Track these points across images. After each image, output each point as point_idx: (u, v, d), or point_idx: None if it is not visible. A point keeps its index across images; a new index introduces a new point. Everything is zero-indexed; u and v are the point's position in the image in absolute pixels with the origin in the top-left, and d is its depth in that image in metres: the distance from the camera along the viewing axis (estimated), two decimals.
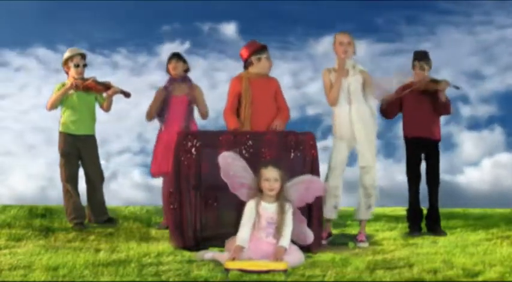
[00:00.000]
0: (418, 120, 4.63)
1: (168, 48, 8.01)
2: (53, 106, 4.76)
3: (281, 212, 3.25)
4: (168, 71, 4.92)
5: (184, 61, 4.92)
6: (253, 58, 4.35)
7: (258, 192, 3.33)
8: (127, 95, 4.87)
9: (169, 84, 4.86)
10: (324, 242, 4.08)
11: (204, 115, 4.92)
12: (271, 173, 3.28)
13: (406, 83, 4.76)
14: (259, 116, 4.27)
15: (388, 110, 4.73)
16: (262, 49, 4.37)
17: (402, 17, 8.61)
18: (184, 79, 4.91)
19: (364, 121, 4.24)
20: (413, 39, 8.53)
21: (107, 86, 4.78)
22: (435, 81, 4.58)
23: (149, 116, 4.88)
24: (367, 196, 4.24)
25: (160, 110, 4.82)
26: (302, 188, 3.44)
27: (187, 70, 4.95)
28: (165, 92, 4.82)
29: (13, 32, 8.58)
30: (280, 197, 3.30)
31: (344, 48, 4.25)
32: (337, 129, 4.26)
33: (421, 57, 4.70)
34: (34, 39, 8.59)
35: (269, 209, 3.28)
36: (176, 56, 4.90)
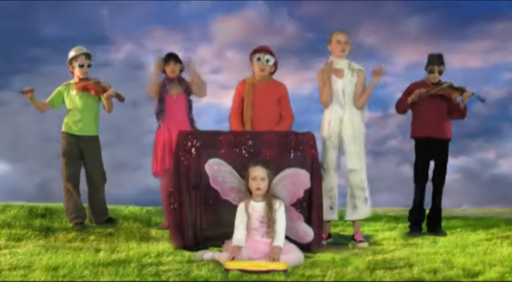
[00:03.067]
0: (430, 120, 4.63)
1: None
2: (41, 110, 4.78)
3: (269, 209, 3.26)
4: (164, 71, 4.89)
5: (181, 62, 4.89)
6: (253, 57, 4.39)
7: (247, 192, 3.34)
8: (121, 99, 4.87)
9: (167, 82, 4.84)
10: (323, 242, 4.08)
11: (201, 92, 4.84)
12: (258, 172, 3.29)
13: (418, 82, 4.78)
14: (259, 121, 4.32)
15: (403, 107, 4.74)
16: (265, 51, 4.36)
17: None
18: (180, 79, 4.88)
19: (354, 124, 4.26)
20: None
21: (104, 89, 4.77)
22: (456, 89, 4.60)
23: (152, 92, 4.82)
24: (352, 197, 4.24)
25: (157, 109, 4.80)
26: (288, 183, 3.42)
27: (182, 70, 4.93)
28: (163, 90, 4.81)
29: (99, 29, 8.60)
30: (268, 195, 3.31)
31: (342, 46, 4.25)
32: (326, 130, 4.26)
33: (439, 61, 4.71)
34: (120, 35, 8.61)
35: (258, 208, 3.29)
36: (173, 58, 4.85)
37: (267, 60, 4.36)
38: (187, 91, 4.84)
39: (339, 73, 4.26)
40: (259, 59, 4.35)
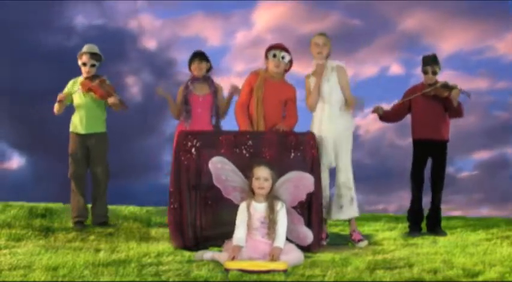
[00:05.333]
0: (427, 122, 4.65)
1: None
2: (58, 112, 4.81)
3: (271, 210, 3.26)
4: (190, 69, 4.83)
5: (207, 60, 4.82)
6: (269, 53, 4.36)
7: (250, 192, 3.34)
8: (124, 107, 4.84)
9: (191, 83, 4.77)
10: (323, 242, 4.08)
11: (223, 115, 4.81)
12: (262, 172, 3.29)
13: (417, 85, 4.80)
14: (265, 117, 4.29)
15: (389, 115, 4.78)
16: (281, 48, 4.34)
17: None
18: (206, 79, 4.81)
19: (338, 123, 4.21)
20: None
21: (108, 93, 4.73)
22: (446, 88, 4.61)
23: (174, 116, 4.81)
24: (338, 196, 4.20)
25: (184, 111, 4.72)
26: (291, 186, 3.41)
27: (209, 69, 4.85)
28: (186, 91, 4.74)
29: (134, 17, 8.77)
30: (270, 197, 3.31)
31: (318, 49, 4.25)
32: (317, 131, 4.21)
33: (433, 61, 4.73)
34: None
35: (260, 208, 3.29)
36: (199, 56, 4.78)
37: (283, 57, 4.35)
38: (215, 93, 4.74)
39: (319, 72, 4.23)
40: (274, 55, 4.34)
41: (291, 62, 4.43)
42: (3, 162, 9.18)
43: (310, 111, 4.33)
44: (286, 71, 4.46)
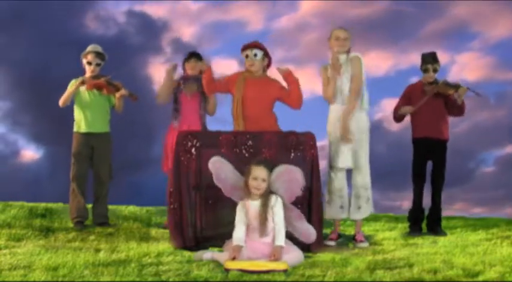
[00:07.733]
0: (427, 120, 4.64)
1: None
2: (64, 103, 4.80)
3: (265, 206, 3.23)
4: (184, 68, 4.86)
5: (202, 61, 4.81)
6: (243, 55, 4.35)
7: (246, 190, 3.32)
8: (134, 98, 4.87)
9: (183, 82, 4.80)
10: (333, 243, 4.09)
11: (211, 111, 4.82)
12: (260, 172, 3.27)
13: (415, 84, 4.80)
14: (249, 117, 4.24)
15: (398, 117, 4.80)
16: (251, 47, 4.30)
17: None
18: (197, 79, 4.79)
19: (356, 122, 4.16)
20: None
21: (117, 88, 4.77)
22: (451, 86, 4.61)
23: (161, 95, 4.80)
24: (356, 197, 4.21)
25: (173, 109, 4.79)
26: (284, 181, 3.33)
27: (202, 71, 4.78)
28: (177, 91, 4.78)
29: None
30: (265, 194, 3.28)
31: (340, 43, 4.21)
32: (331, 128, 4.22)
33: (433, 60, 4.73)
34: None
35: (255, 206, 3.28)
36: (196, 56, 4.82)
37: (255, 55, 4.29)
38: (204, 93, 4.70)
39: (338, 70, 4.18)
40: (247, 56, 4.32)
41: (268, 56, 4.38)
42: (19, 156, 9.12)
43: (328, 103, 4.24)
44: (268, 66, 4.42)
